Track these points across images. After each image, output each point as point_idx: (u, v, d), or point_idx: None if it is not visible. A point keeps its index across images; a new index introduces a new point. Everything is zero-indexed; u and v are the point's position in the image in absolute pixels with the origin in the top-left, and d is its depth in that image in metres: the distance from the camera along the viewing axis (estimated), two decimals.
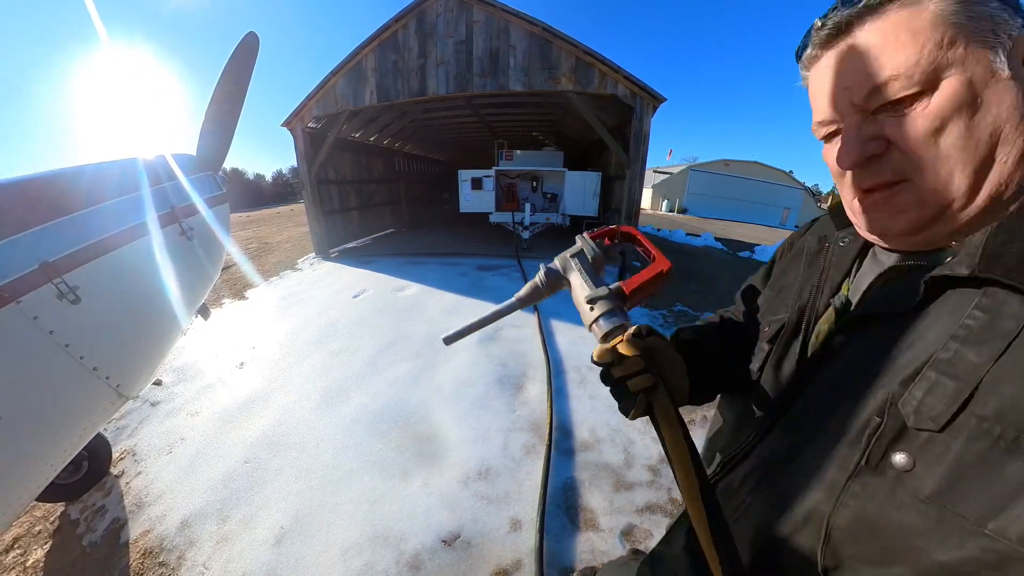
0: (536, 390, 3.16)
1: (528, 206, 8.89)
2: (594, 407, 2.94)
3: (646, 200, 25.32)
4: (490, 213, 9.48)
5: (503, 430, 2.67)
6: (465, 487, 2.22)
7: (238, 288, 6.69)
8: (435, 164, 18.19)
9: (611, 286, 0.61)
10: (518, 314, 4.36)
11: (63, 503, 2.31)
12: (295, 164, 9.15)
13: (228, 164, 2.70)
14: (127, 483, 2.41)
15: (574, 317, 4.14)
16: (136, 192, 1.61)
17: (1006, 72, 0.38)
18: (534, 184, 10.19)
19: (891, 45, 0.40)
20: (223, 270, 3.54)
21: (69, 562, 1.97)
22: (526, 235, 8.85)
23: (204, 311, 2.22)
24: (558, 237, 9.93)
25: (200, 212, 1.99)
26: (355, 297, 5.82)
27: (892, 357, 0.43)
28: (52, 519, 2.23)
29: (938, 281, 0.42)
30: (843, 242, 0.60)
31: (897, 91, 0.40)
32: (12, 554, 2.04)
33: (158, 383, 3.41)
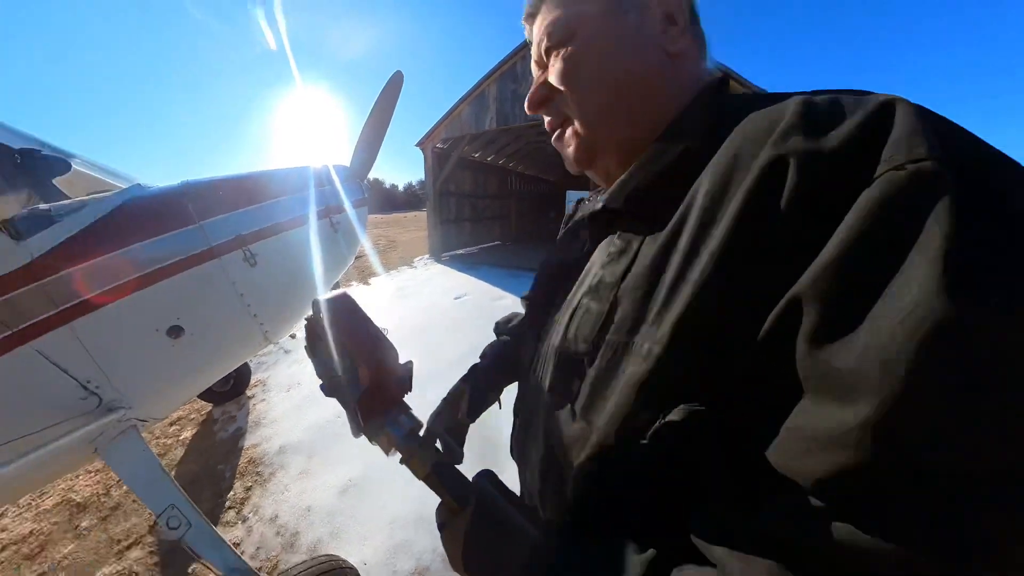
0: None
1: None
2: None
3: None
4: None
5: None
6: None
7: (364, 275, 8.08)
8: (544, 184, 18.80)
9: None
10: None
11: (211, 405, 3.29)
12: (423, 178, 10.41)
13: (371, 175, 3.25)
14: (254, 404, 3.23)
15: None
16: (305, 192, 2.07)
17: (627, 15, 0.43)
18: None
19: (550, 11, 0.47)
20: (355, 258, 4.19)
21: (204, 447, 2.79)
22: None
23: (336, 288, 2.69)
24: None
25: (346, 211, 2.43)
26: (457, 299, 6.31)
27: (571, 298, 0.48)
28: (202, 413, 3.22)
29: (596, 218, 0.47)
30: (588, 200, 0.63)
31: (551, 44, 0.46)
32: (173, 428, 3.05)
33: (292, 336, 4.20)
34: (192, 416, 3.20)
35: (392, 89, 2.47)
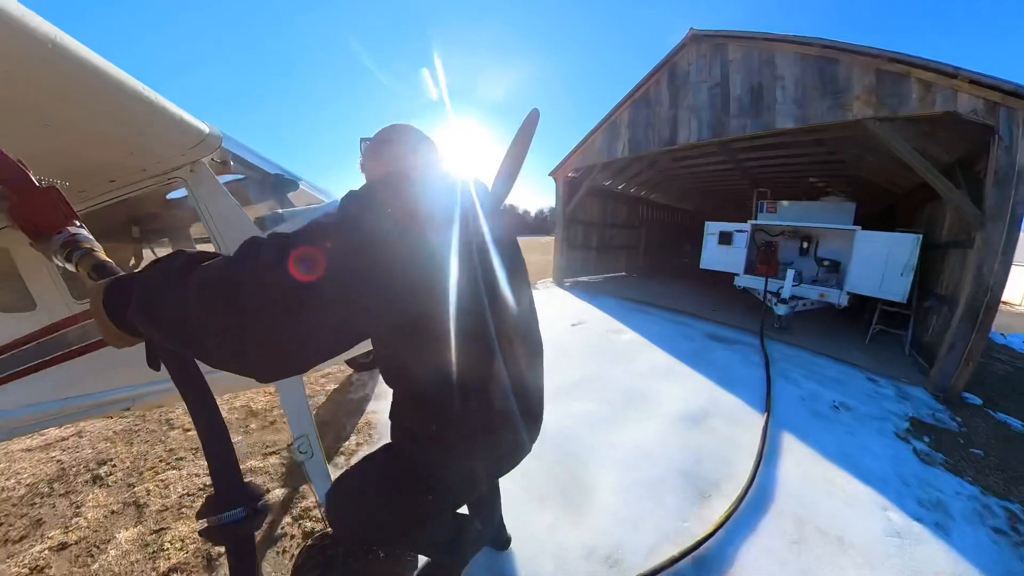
0: (725, 510, 2.26)
1: (792, 273, 6.70)
2: None
3: (1019, 286, 13.71)
4: (737, 275, 7.90)
5: (659, 531, 2.09)
6: (586, 560, 1.92)
7: None
8: (679, 213, 17.55)
9: None
10: (740, 406, 3.64)
11: (352, 371, 4.16)
12: (553, 205, 10.84)
13: (507, 201, 3.58)
14: (381, 380, 3.76)
15: (821, 439, 3.07)
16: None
17: None
18: (805, 245, 7.72)
19: None
20: None
21: (339, 401, 3.55)
22: (782, 310, 6.64)
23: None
24: (830, 322, 7.32)
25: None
26: (573, 325, 6.30)
27: None
28: (344, 375, 4.12)
29: None
30: None
31: None
32: (321, 379, 4.00)
33: None
34: (337, 375, 4.14)
35: (529, 125, 2.72)
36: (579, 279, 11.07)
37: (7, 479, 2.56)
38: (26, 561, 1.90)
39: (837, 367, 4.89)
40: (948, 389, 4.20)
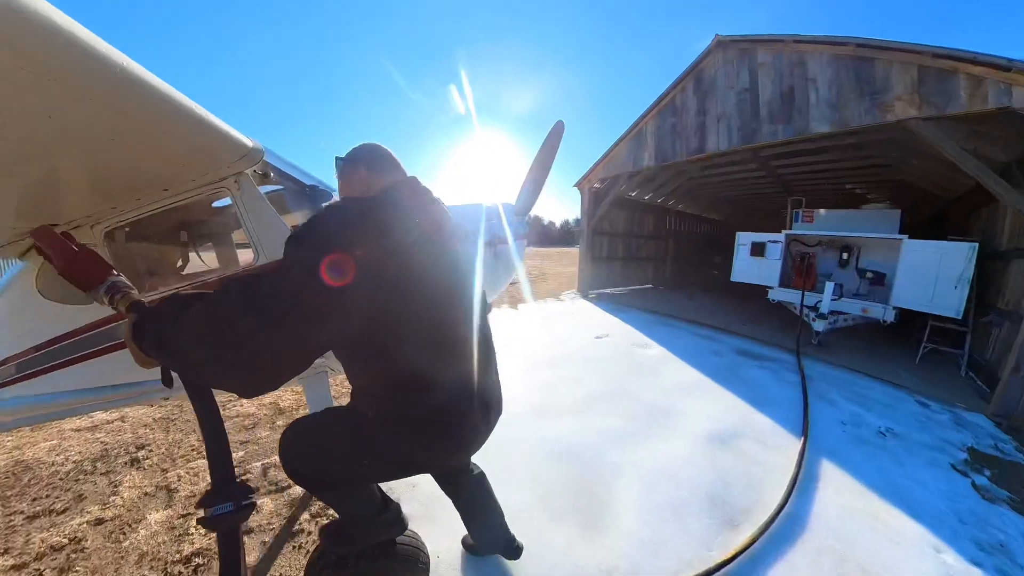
0: (750, 534, 2.12)
1: (831, 286, 6.23)
2: None
3: None
4: (771, 288, 7.47)
5: (682, 558, 1.98)
6: None
7: (514, 300, 8.90)
8: (707, 223, 17.03)
9: None
10: (774, 427, 3.43)
11: None
12: (578, 216, 10.80)
13: (532, 212, 3.56)
14: None
15: (865, 468, 2.83)
16: (477, 224, 2.42)
17: None
18: (845, 256, 7.19)
19: None
20: (509, 284, 4.60)
21: None
22: (820, 326, 6.20)
23: (488, 308, 3.02)
24: (875, 339, 6.74)
25: (508, 243, 2.73)
26: (597, 338, 6.18)
27: None
28: None
29: None
30: None
31: None
32: (347, 385, 4.14)
33: None
34: None
35: (554, 137, 2.71)
36: (604, 291, 10.91)
37: (57, 455, 2.85)
38: (66, 532, 2.10)
39: (883, 389, 4.54)
40: (1012, 416, 3.80)
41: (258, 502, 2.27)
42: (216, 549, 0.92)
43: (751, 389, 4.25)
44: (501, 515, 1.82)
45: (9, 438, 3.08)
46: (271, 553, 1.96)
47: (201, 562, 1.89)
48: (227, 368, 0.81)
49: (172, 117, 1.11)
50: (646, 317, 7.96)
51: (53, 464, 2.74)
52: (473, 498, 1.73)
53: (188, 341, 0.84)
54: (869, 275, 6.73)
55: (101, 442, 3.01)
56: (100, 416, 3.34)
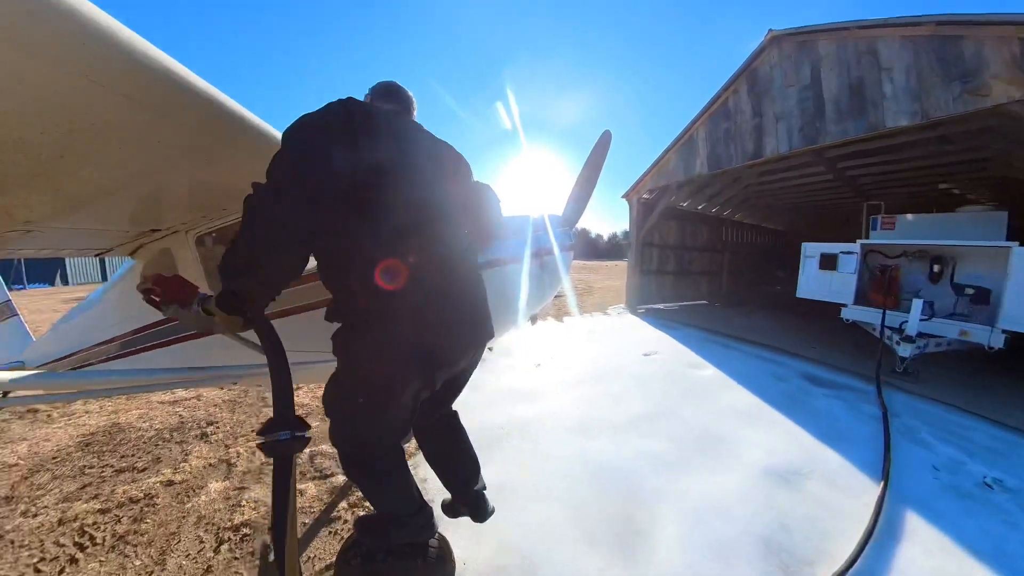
0: None
1: (919, 304, 5.40)
2: None
3: None
4: (844, 305, 6.58)
5: None
6: None
7: (560, 313, 8.88)
8: (767, 234, 15.84)
9: None
10: (846, 467, 3.02)
11: None
12: (627, 228, 10.52)
13: (579, 224, 3.53)
14: None
15: (963, 525, 2.37)
16: (524, 235, 2.43)
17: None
18: (936, 269, 6.18)
19: None
20: (555, 297, 4.58)
21: None
22: (906, 351, 5.36)
23: (534, 319, 2.99)
24: (977, 368, 5.68)
25: (555, 255, 2.71)
26: (645, 355, 5.92)
27: None
28: None
29: None
30: None
31: None
32: None
33: (490, 348, 4.90)
34: None
35: (601, 147, 2.67)
36: (654, 306, 10.47)
37: (144, 422, 3.45)
38: (143, 487, 2.50)
39: (989, 430, 3.86)
40: None
41: (310, 438, 2.44)
42: (270, 477, 1.03)
43: (819, 421, 3.80)
44: (474, 463, 1.75)
45: (109, 403, 3.76)
46: (308, 535, 2.07)
47: (248, 532, 2.07)
48: (271, 254, 1.00)
49: (255, 139, 1.27)
50: (699, 335, 7.50)
51: (140, 429, 3.28)
52: (442, 438, 1.72)
53: (241, 249, 1.01)
54: (969, 291, 5.70)
55: (179, 415, 3.52)
56: (180, 393, 3.89)
